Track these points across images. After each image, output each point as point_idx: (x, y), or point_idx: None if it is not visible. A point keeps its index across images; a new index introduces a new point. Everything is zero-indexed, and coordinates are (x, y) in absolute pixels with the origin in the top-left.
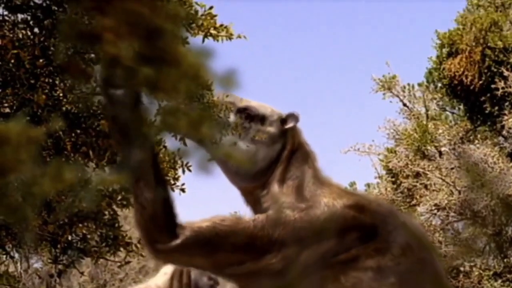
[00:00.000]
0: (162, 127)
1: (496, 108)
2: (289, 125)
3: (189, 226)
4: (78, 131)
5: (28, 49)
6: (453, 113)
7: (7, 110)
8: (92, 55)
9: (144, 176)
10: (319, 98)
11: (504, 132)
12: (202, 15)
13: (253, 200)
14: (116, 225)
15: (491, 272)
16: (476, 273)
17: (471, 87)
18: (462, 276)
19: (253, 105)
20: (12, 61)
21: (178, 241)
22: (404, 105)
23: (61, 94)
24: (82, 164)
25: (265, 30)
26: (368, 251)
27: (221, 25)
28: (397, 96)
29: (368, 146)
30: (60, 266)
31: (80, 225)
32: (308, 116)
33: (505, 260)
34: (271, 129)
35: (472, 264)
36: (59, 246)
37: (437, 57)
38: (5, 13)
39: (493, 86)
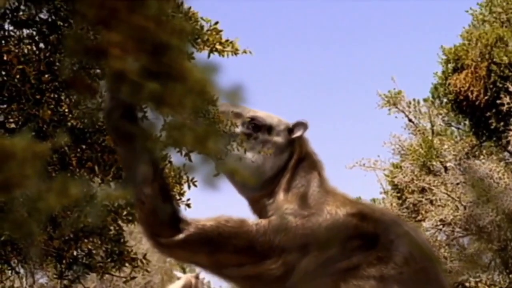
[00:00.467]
0: (168, 142)
1: (502, 123)
2: (296, 134)
3: (194, 223)
4: (84, 146)
5: (33, 65)
6: (458, 128)
7: (13, 125)
8: (98, 71)
9: (142, 173)
10: (324, 114)
11: (509, 148)
12: (207, 30)
13: (260, 209)
14: (122, 240)
15: None
16: None
17: (477, 103)
18: None
19: (260, 115)
20: (18, 76)
21: (181, 236)
22: (410, 120)
23: (66, 110)
24: (88, 179)
25: (271, 45)
26: (370, 260)
27: (227, 40)
28: (403, 111)
29: (374, 162)
30: (65, 282)
31: (86, 240)
32: (314, 131)
33: (510, 275)
34: (278, 139)
35: (477, 279)
36: (64, 261)
37: (443, 72)
38: (11, 28)
39: (498, 101)
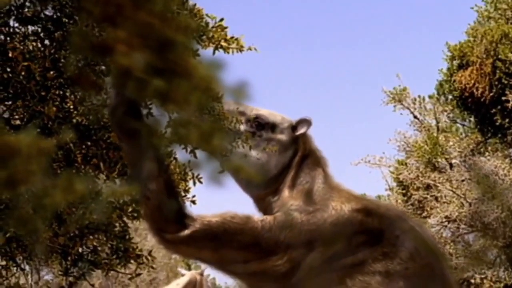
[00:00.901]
0: (173, 139)
1: (507, 120)
2: (300, 131)
3: (200, 219)
4: (89, 143)
5: (38, 61)
6: (463, 125)
7: (18, 122)
8: (103, 67)
9: (147, 169)
10: (330, 110)
11: None
12: (212, 27)
13: (265, 206)
14: (127, 237)
15: (502, 284)
16: (487, 285)
17: (482, 99)
18: None
19: (263, 113)
20: (23, 73)
21: (187, 232)
22: (415, 117)
23: (71, 106)
24: (93, 176)
25: (277, 43)
26: (375, 255)
27: (232, 37)
28: (408, 108)
29: (379, 158)
30: (70, 278)
31: (91, 237)
32: (319, 128)
33: None
34: (282, 137)
35: (482, 276)
36: (69, 258)
37: (448, 69)
38: (16, 25)
39: (503, 98)
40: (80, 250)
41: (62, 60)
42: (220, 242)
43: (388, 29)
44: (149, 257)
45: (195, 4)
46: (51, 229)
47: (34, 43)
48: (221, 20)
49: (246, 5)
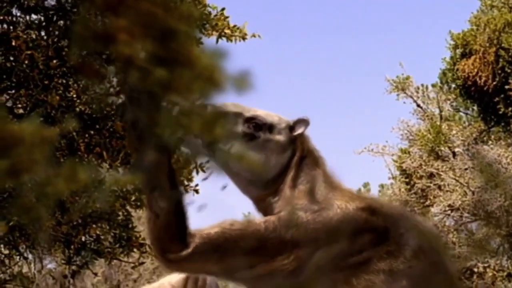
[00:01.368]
0: (176, 128)
1: (510, 108)
2: (298, 131)
3: (198, 233)
4: (92, 132)
5: (41, 50)
6: (466, 114)
7: (21, 110)
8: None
9: (159, 186)
10: (333, 99)
11: None
12: (215, 15)
13: (265, 207)
14: (130, 226)
15: (505, 273)
16: (490, 274)
17: (485, 88)
18: (475, 277)
19: (260, 114)
20: (26, 62)
21: (188, 250)
22: (418, 106)
23: (74, 95)
24: (96, 164)
25: (280, 31)
26: (380, 254)
27: (235, 26)
28: (411, 97)
29: (382, 147)
30: (73, 267)
31: (94, 226)
32: (322, 117)
33: None
34: (280, 137)
35: (486, 265)
36: (72, 247)
37: (451, 58)
38: (19, 14)
39: (507, 86)
40: (83, 238)
41: (65, 49)
42: (223, 252)
43: (392, 17)
44: (152, 246)
45: None
46: (54, 218)
47: (37, 32)
48: (223, 9)
49: None
